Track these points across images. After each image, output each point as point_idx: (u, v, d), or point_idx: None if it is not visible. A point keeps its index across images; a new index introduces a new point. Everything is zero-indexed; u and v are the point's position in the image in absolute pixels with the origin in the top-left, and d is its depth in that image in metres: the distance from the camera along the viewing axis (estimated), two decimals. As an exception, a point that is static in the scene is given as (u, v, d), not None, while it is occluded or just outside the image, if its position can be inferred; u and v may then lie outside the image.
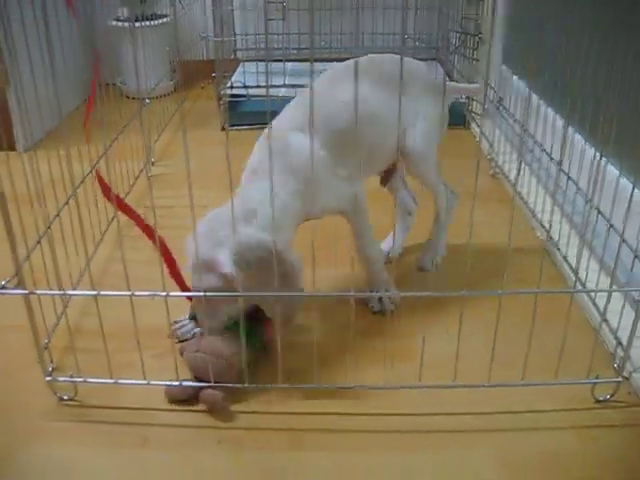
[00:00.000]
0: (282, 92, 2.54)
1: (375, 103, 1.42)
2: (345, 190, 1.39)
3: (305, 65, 2.89)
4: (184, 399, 1.26)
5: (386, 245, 1.71)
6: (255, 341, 1.29)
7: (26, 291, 1.17)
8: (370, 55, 1.52)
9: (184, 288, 1.34)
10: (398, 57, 1.53)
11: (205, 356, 1.23)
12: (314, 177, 1.27)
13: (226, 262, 1.20)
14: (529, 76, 1.93)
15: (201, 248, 1.18)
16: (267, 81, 1.07)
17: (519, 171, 1.16)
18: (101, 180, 1.18)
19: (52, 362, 1.29)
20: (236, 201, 1.16)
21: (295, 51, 3.00)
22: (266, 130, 1.35)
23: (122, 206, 1.20)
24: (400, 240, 1.75)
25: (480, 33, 2.45)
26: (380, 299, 1.50)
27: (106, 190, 1.17)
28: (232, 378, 1.24)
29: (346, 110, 1.32)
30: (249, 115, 2.56)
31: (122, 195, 1.89)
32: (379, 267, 1.50)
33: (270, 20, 2.77)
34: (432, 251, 1.69)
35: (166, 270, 1.27)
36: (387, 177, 1.65)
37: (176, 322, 1.43)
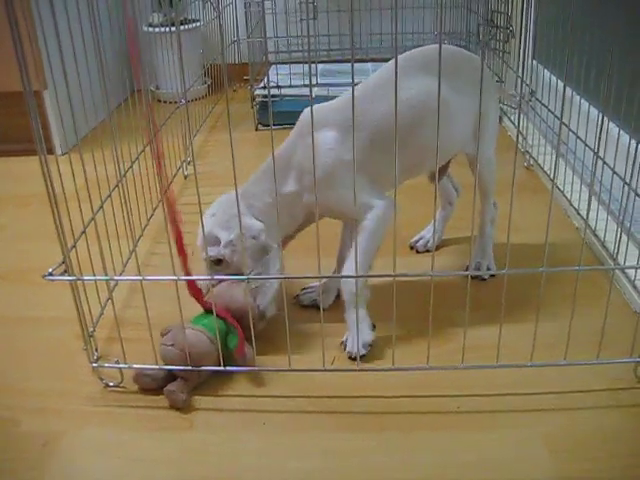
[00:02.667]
0: (314, 92, 2.57)
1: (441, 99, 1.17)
2: (364, 200, 1.31)
3: (335, 66, 2.92)
4: (152, 388, 1.28)
5: (426, 234, 1.72)
6: (230, 340, 1.29)
7: (73, 277, 1.19)
8: (419, 49, 1.45)
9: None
10: (452, 49, 1.53)
11: (177, 351, 1.25)
12: (332, 179, 1.30)
13: (224, 241, 1.34)
14: (562, 68, 1.93)
15: (207, 225, 1.31)
16: (310, 80, 1.05)
17: (557, 156, 1.15)
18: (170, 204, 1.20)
19: (97, 350, 1.32)
20: (246, 187, 1.34)
21: (325, 52, 3.04)
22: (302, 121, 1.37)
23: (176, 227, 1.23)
24: (440, 229, 1.75)
25: (511, 26, 2.45)
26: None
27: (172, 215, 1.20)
28: (200, 375, 1.27)
29: (407, 108, 1.31)
30: (282, 115, 2.58)
31: (159, 194, 1.92)
32: (351, 300, 1.33)
33: (302, 20, 2.80)
34: (482, 256, 1.61)
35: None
36: (441, 173, 1.57)
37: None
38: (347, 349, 1.34)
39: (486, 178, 1.54)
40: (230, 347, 1.27)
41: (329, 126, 1.33)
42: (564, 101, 1.09)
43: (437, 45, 1.12)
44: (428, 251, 1.71)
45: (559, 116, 1.90)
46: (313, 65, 2.68)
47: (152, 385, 1.27)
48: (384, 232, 1.34)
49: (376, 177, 1.34)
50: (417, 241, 1.76)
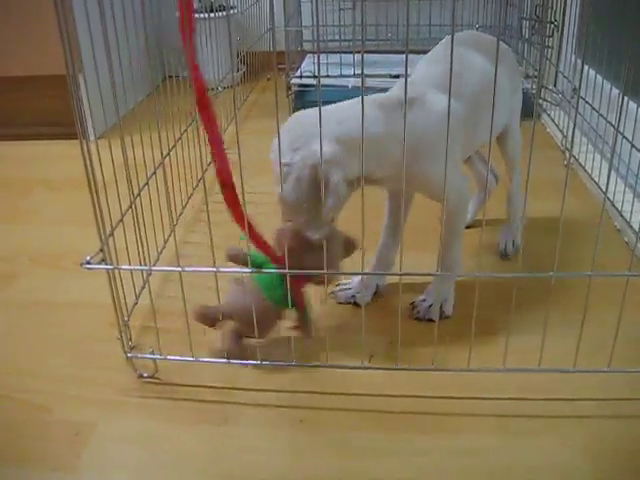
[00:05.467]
0: (351, 82, 2.55)
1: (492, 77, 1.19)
2: (453, 178, 1.26)
3: (372, 56, 2.88)
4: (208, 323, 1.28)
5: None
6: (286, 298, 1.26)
7: (111, 266, 1.18)
8: (462, 33, 1.52)
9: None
10: (491, 37, 1.56)
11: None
12: (432, 146, 1.21)
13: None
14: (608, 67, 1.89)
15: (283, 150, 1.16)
16: (362, 70, 1.04)
17: (610, 168, 1.12)
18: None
19: (131, 340, 1.31)
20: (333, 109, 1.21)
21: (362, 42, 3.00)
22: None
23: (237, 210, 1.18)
24: (472, 211, 1.77)
25: (555, 20, 2.40)
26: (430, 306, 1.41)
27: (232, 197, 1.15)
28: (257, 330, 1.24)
29: (481, 79, 1.34)
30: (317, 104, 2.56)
31: (194, 182, 1.90)
32: (450, 279, 1.42)
33: (341, 10, 2.77)
34: (510, 234, 1.67)
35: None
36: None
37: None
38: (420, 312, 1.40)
39: (514, 149, 1.60)
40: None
41: (438, 89, 1.27)
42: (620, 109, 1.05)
43: (473, 31, 1.26)
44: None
45: (606, 116, 1.87)
46: (350, 55, 2.64)
47: (207, 322, 1.27)
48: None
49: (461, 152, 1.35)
50: None
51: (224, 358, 1.25)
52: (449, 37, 1.34)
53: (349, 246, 1.29)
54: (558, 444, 1.11)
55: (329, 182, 1.14)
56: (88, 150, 1.10)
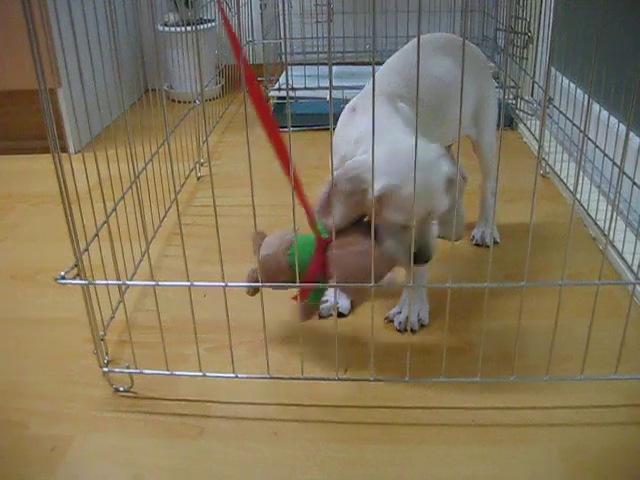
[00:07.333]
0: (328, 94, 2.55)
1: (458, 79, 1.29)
2: None
3: (351, 68, 2.90)
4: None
5: None
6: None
7: (85, 281, 1.18)
8: (430, 35, 1.53)
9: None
10: (457, 37, 1.59)
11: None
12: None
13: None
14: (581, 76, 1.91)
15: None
16: (330, 82, 1.05)
17: (579, 171, 1.13)
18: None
19: (107, 354, 1.31)
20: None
21: (340, 54, 3.02)
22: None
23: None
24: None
25: (529, 32, 2.42)
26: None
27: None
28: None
29: (438, 85, 1.38)
30: (297, 117, 2.57)
31: (172, 195, 1.90)
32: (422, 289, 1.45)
33: (318, 22, 2.79)
34: (485, 225, 1.74)
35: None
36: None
37: None
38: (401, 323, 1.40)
39: (487, 157, 1.64)
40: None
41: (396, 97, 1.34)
42: (588, 113, 1.06)
43: (444, 33, 1.29)
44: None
45: (579, 125, 1.89)
46: (325, 67, 2.66)
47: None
48: None
49: None
50: None
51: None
52: (414, 41, 1.39)
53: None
54: (534, 452, 1.12)
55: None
56: (60, 165, 1.09)
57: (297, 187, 1.14)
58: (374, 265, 1.11)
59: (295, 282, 1.17)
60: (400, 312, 1.42)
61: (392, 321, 1.42)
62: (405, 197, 1.12)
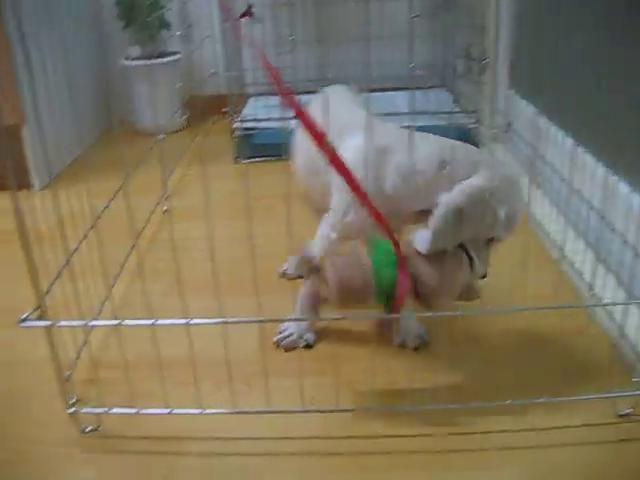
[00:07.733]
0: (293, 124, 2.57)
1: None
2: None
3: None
4: None
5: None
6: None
7: (49, 322, 1.18)
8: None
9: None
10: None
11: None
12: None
13: None
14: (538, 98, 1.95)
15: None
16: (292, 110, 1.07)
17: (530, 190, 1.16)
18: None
19: (74, 394, 1.30)
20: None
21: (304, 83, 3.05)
22: None
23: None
24: None
25: (486, 58, 2.47)
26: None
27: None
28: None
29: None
30: (261, 147, 2.59)
31: (138, 229, 1.91)
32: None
33: (279, 55, 2.82)
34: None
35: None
36: None
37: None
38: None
39: None
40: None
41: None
42: (538, 134, 1.09)
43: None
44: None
45: (533, 146, 1.93)
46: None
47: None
48: None
49: None
50: None
51: None
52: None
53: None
54: (497, 477, 1.13)
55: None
56: (17, 206, 1.09)
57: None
58: (462, 282, 1.15)
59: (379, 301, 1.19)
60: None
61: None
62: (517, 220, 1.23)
